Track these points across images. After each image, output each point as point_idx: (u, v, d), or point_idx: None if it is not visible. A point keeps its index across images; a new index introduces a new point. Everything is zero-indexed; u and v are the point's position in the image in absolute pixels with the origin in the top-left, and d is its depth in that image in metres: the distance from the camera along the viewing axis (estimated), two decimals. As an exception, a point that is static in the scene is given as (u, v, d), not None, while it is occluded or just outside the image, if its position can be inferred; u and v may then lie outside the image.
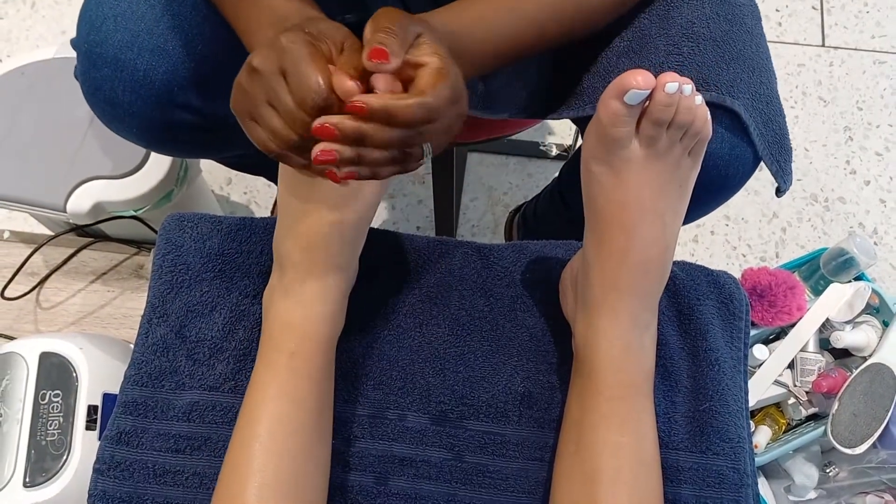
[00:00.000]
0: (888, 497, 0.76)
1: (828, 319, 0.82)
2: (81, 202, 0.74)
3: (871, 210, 1.09)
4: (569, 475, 0.43)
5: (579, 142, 0.97)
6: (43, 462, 0.61)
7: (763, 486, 0.82)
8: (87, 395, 0.65)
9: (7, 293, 0.85)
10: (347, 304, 0.48)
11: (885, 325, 0.82)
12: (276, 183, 0.84)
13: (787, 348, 0.81)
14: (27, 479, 0.61)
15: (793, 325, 0.82)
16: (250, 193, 1.08)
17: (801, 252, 1.04)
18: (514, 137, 0.79)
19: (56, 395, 0.64)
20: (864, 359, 0.80)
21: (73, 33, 0.48)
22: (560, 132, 1.13)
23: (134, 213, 0.79)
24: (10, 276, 0.86)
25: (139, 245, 0.91)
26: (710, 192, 0.48)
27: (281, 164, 0.44)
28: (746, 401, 0.50)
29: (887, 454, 0.76)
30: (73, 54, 0.49)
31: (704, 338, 0.51)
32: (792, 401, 0.82)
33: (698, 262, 0.55)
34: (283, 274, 0.45)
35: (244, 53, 0.38)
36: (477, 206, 1.08)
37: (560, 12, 0.44)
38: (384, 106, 0.33)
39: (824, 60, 1.20)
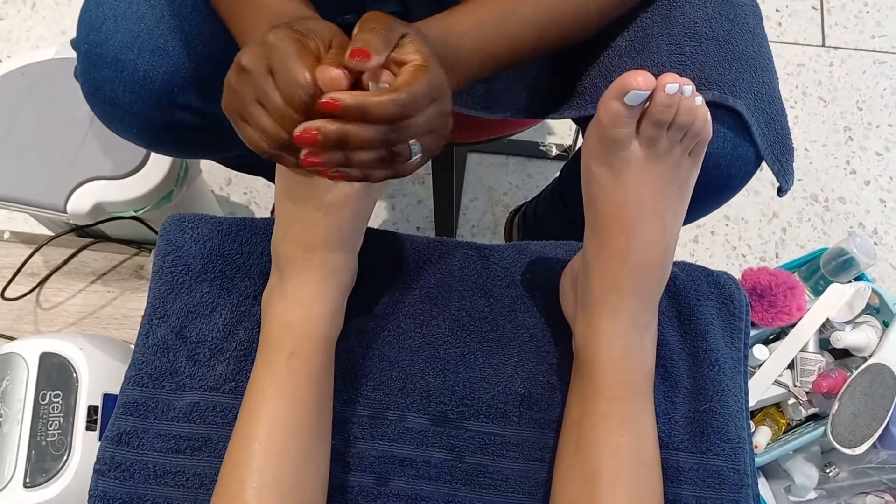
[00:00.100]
0: (888, 497, 0.76)
1: (828, 320, 0.82)
2: (82, 202, 0.74)
3: (871, 210, 1.09)
4: (569, 475, 0.43)
5: (579, 142, 0.97)
6: (43, 462, 0.61)
7: (763, 487, 0.82)
8: (88, 395, 0.65)
9: (7, 294, 0.85)
10: (348, 305, 0.48)
11: (885, 325, 0.82)
12: (275, 183, 0.83)
13: (787, 348, 0.81)
14: (27, 480, 0.61)
15: (793, 326, 0.82)
16: (250, 194, 1.08)
17: (801, 252, 1.04)
18: (514, 137, 0.79)
19: (56, 396, 0.64)
20: (864, 359, 0.80)
21: (73, 34, 0.48)
22: (560, 132, 1.13)
23: (134, 214, 0.79)
24: (10, 276, 0.86)
25: (139, 245, 0.91)
26: (712, 192, 0.49)
27: (277, 166, 0.44)
28: (746, 401, 0.50)
29: (887, 454, 0.76)
30: (74, 55, 0.49)
31: (704, 338, 0.51)
32: (792, 401, 0.82)
33: (698, 263, 0.55)
34: (281, 275, 0.45)
35: None
36: (477, 207, 1.08)
37: (558, 16, 0.44)
38: (357, 102, 0.33)
39: (824, 60, 1.20)
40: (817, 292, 0.86)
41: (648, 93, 0.38)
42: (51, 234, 0.90)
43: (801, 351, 0.82)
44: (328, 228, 0.42)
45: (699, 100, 0.40)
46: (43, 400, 0.64)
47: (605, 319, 0.43)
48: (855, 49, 1.21)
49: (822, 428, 0.77)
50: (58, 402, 0.64)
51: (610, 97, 0.39)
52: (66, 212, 0.74)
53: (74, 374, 0.65)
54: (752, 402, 0.79)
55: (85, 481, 0.55)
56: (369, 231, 0.54)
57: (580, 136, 0.90)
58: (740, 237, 1.06)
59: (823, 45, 1.22)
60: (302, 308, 0.43)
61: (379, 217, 1.06)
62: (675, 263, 0.53)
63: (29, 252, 0.87)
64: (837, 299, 0.82)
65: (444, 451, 0.48)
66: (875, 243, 1.06)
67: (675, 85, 0.38)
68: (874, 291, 0.82)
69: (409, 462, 0.47)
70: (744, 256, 1.05)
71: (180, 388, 0.49)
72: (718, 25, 0.46)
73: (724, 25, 0.46)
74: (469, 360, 0.50)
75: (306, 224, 0.42)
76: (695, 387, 0.49)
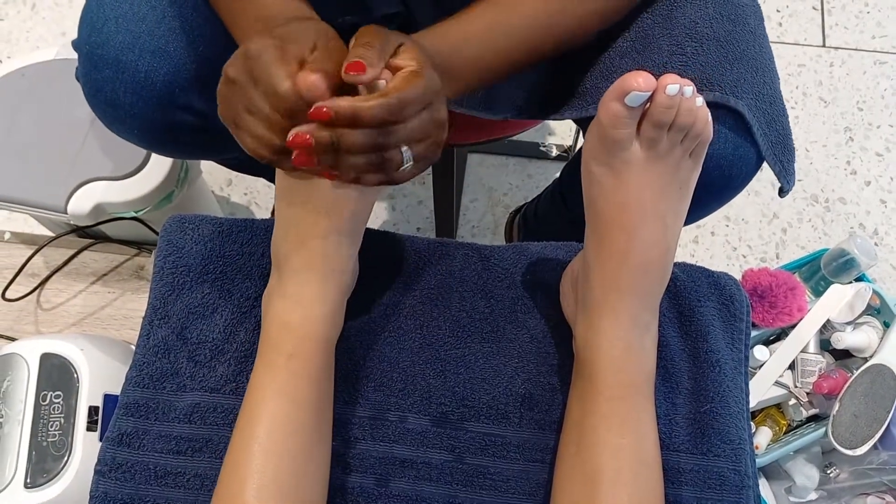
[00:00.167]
0: (889, 498, 0.76)
1: (828, 320, 0.82)
2: (82, 203, 0.74)
3: (872, 211, 1.09)
4: (569, 476, 0.43)
5: (580, 143, 0.97)
6: (44, 463, 0.61)
7: (764, 488, 0.82)
8: (88, 395, 0.65)
9: (8, 294, 0.85)
10: (348, 306, 0.48)
11: (886, 325, 0.82)
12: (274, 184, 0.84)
13: (787, 349, 0.81)
14: (28, 480, 0.61)
15: (793, 326, 0.82)
16: (251, 194, 1.08)
17: (802, 253, 1.04)
18: (514, 138, 0.79)
19: (57, 396, 0.64)
20: (865, 360, 0.80)
21: (73, 35, 0.48)
22: (560, 133, 1.13)
23: (135, 215, 0.79)
24: (10, 277, 0.86)
25: (140, 246, 0.91)
26: (713, 193, 0.49)
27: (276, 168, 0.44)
28: (747, 402, 0.50)
29: (888, 455, 0.76)
30: (74, 56, 0.49)
31: (705, 339, 0.51)
32: (793, 402, 0.82)
33: (698, 263, 0.55)
34: (281, 275, 0.45)
35: None
36: (477, 207, 1.08)
37: (554, 26, 0.44)
38: (347, 108, 0.34)
39: (825, 61, 1.20)
40: (818, 293, 0.86)
41: (649, 94, 0.38)
42: (51, 234, 0.90)
43: (801, 352, 0.82)
44: (327, 229, 0.42)
45: (700, 101, 0.40)
46: (44, 400, 0.64)
47: (606, 320, 0.43)
48: (855, 49, 1.21)
49: (823, 429, 0.77)
50: (58, 403, 0.64)
51: (610, 98, 0.39)
52: (66, 212, 0.74)
53: (75, 375, 0.65)
54: (753, 402, 0.79)
55: (86, 482, 0.55)
56: (370, 232, 0.54)
57: (580, 136, 0.90)
58: (741, 238, 1.06)
59: (824, 46, 1.22)
60: (302, 308, 0.43)
61: (379, 218, 1.07)
62: (675, 264, 0.53)
63: (30, 253, 0.87)
64: (838, 300, 0.82)
65: (444, 452, 0.48)
66: (876, 244, 1.06)
67: (675, 86, 0.38)
68: (875, 292, 0.82)
69: (410, 463, 0.47)
70: (744, 257, 1.05)
71: (181, 389, 0.49)
72: (720, 26, 0.46)
73: (725, 26, 0.46)
74: (470, 361, 0.50)
75: (305, 225, 0.42)
76: (695, 388, 0.49)
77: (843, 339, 0.80)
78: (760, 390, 0.80)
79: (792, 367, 0.82)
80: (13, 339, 0.82)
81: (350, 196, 0.43)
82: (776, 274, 0.82)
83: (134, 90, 0.47)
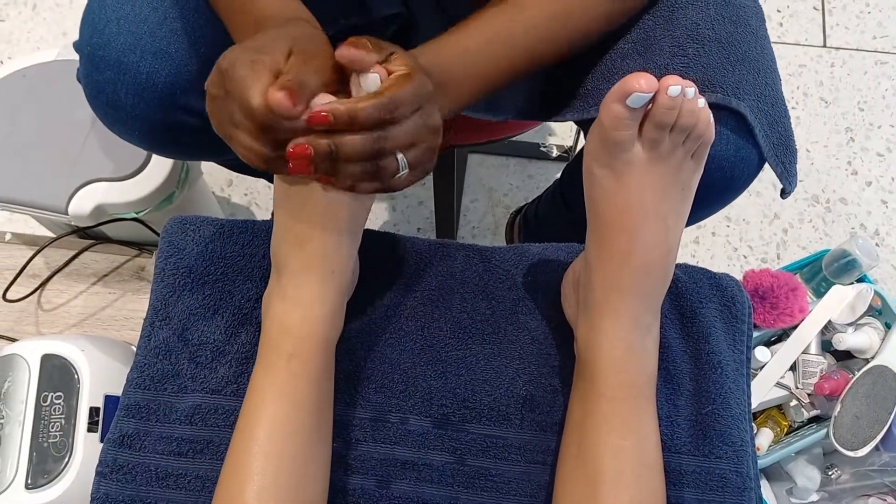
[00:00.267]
0: (891, 500, 0.76)
1: (830, 321, 0.82)
2: (83, 204, 0.74)
3: (873, 211, 1.09)
4: (571, 478, 0.43)
5: (580, 143, 0.97)
6: (45, 464, 0.61)
7: (765, 489, 0.82)
8: (89, 396, 0.65)
9: (9, 295, 0.85)
10: (349, 307, 0.48)
11: (888, 327, 0.82)
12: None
13: (789, 350, 0.81)
14: (29, 481, 0.61)
15: (795, 327, 0.82)
16: (251, 195, 1.08)
17: (803, 253, 1.04)
18: (514, 139, 0.79)
19: (58, 397, 0.64)
20: (867, 361, 0.80)
21: (74, 36, 0.48)
22: (561, 133, 1.13)
23: (135, 216, 0.79)
24: (11, 278, 0.86)
25: (140, 247, 0.91)
26: (715, 194, 0.48)
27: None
28: (749, 404, 0.50)
29: (890, 456, 0.76)
30: (75, 56, 0.49)
31: (707, 341, 0.50)
32: (794, 403, 0.82)
33: (699, 264, 0.55)
34: (280, 277, 0.45)
35: None
36: (477, 208, 1.08)
37: (558, 32, 0.44)
38: (345, 109, 0.35)
39: (826, 61, 1.20)
40: (819, 294, 0.86)
41: (651, 95, 0.38)
42: (52, 235, 0.90)
43: (803, 353, 0.82)
44: (326, 230, 0.42)
45: (702, 102, 0.40)
46: (44, 401, 0.64)
47: (607, 321, 0.43)
48: (856, 49, 1.21)
49: (824, 430, 0.77)
50: (59, 404, 0.64)
51: (612, 99, 0.38)
52: (67, 213, 0.74)
53: (76, 376, 0.65)
54: (754, 403, 0.79)
55: (86, 483, 0.55)
56: (370, 233, 0.54)
57: (581, 137, 0.90)
58: (741, 238, 1.06)
59: (825, 46, 1.22)
60: (301, 309, 0.43)
61: (380, 218, 1.06)
62: (677, 265, 0.53)
63: (30, 254, 0.87)
64: (839, 301, 0.82)
65: (445, 453, 0.48)
66: (877, 244, 1.06)
67: (677, 87, 0.38)
68: (876, 293, 0.82)
69: (411, 465, 0.47)
70: (745, 258, 1.05)
71: (182, 391, 0.49)
72: (721, 27, 0.46)
73: (726, 27, 0.46)
74: (471, 362, 0.50)
75: (304, 226, 0.42)
76: (697, 389, 0.49)
77: (844, 341, 0.80)
78: (762, 391, 0.80)
79: (793, 368, 0.82)
80: (14, 340, 0.82)
81: (346, 198, 0.43)
82: (777, 275, 0.82)
83: (135, 91, 0.47)
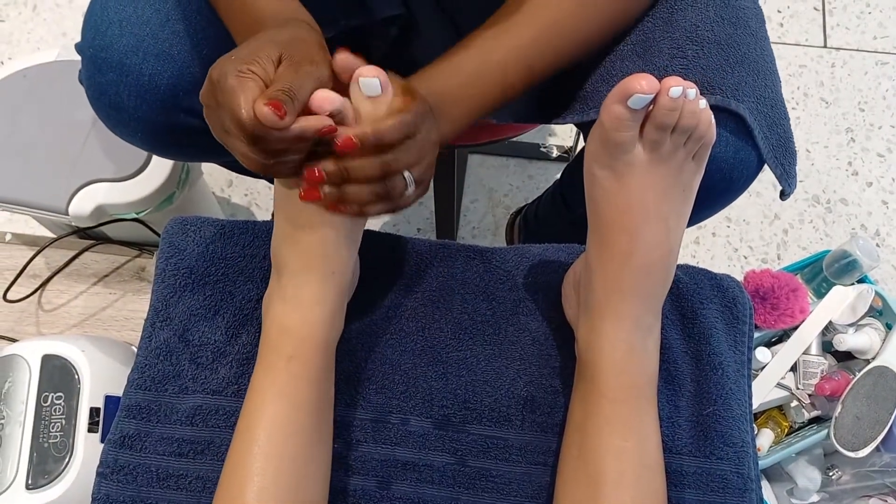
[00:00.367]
0: (891, 500, 0.76)
1: (831, 322, 0.82)
2: (84, 205, 0.74)
3: (874, 212, 1.09)
4: (572, 479, 0.43)
5: (580, 144, 0.97)
6: (45, 464, 0.61)
7: (766, 490, 0.82)
8: (90, 397, 0.65)
9: (9, 296, 0.85)
10: (349, 308, 0.48)
11: (889, 327, 0.82)
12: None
13: (789, 351, 0.81)
14: (29, 482, 0.61)
15: (795, 328, 0.82)
16: (251, 195, 1.08)
17: (803, 254, 1.04)
18: (515, 139, 0.79)
19: (58, 398, 0.64)
20: (867, 361, 0.80)
21: (74, 36, 0.48)
22: (561, 134, 1.13)
23: (136, 216, 0.79)
24: (12, 278, 0.86)
25: (141, 247, 0.91)
26: (714, 196, 0.48)
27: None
28: (750, 405, 0.50)
29: (890, 457, 0.76)
30: (75, 57, 0.49)
31: (708, 342, 0.50)
32: (795, 403, 0.82)
33: (699, 264, 0.55)
34: (280, 278, 0.45)
35: None
36: (477, 208, 1.08)
37: (547, 49, 0.44)
38: (371, 132, 0.36)
39: (826, 61, 1.20)
40: (820, 295, 0.86)
41: (652, 96, 0.38)
42: (53, 236, 0.90)
43: (803, 353, 0.82)
44: (326, 231, 0.42)
45: (703, 103, 0.40)
46: (45, 402, 0.64)
47: (608, 322, 0.43)
48: (857, 50, 1.21)
49: (825, 431, 0.77)
50: (60, 404, 0.64)
51: (613, 101, 0.38)
52: (68, 214, 0.74)
53: (76, 376, 0.65)
54: (755, 404, 0.79)
55: (87, 483, 0.55)
56: (371, 234, 0.54)
57: (581, 137, 0.90)
58: (742, 239, 1.06)
59: (825, 46, 1.22)
60: (301, 311, 0.43)
61: (380, 219, 1.06)
62: (677, 266, 0.53)
63: (31, 254, 0.87)
64: (840, 302, 0.82)
65: (446, 454, 0.48)
66: (877, 245, 1.06)
67: (678, 88, 0.38)
68: (877, 294, 0.82)
69: (412, 466, 0.47)
70: (745, 258, 1.05)
71: (183, 392, 0.49)
72: (720, 29, 0.46)
73: (726, 29, 0.46)
74: (471, 363, 0.50)
75: (304, 227, 0.42)
76: (698, 390, 0.49)
77: (845, 341, 0.80)
78: (762, 392, 0.80)
79: (794, 368, 0.82)
80: (14, 341, 0.82)
81: None
82: (778, 275, 0.82)
83: (138, 93, 0.47)
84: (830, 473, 0.81)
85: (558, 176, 1.06)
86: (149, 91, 0.47)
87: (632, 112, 0.38)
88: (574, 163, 0.71)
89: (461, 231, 1.06)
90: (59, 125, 0.77)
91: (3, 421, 0.63)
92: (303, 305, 0.43)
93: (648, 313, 0.44)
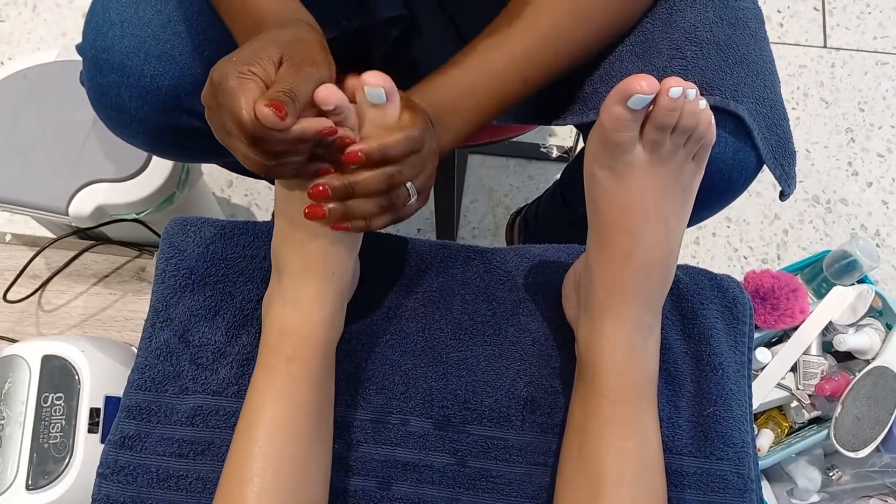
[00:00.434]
0: (891, 501, 0.76)
1: (831, 322, 0.82)
2: (84, 205, 0.74)
3: (874, 212, 1.09)
4: (572, 479, 0.43)
5: (580, 144, 0.97)
6: (45, 465, 0.61)
7: (766, 490, 0.82)
8: (90, 397, 0.65)
9: (9, 296, 0.85)
10: (350, 308, 0.48)
11: (889, 328, 0.82)
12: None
13: (789, 351, 0.81)
14: (29, 482, 0.61)
15: (795, 328, 0.82)
16: (251, 196, 1.08)
17: (803, 254, 1.04)
18: (515, 139, 0.79)
19: (58, 398, 0.64)
20: (868, 362, 0.80)
21: (74, 36, 0.49)
22: (561, 134, 1.13)
23: (136, 216, 0.79)
24: (12, 279, 0.86)
25: (141, 248, 0.91)
26: (713, 196, 0.48)
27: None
28: (750, 405, 0.50)
29: (891, 457, 0.76)
30: (75, 57, 0.49)
31: (708, 342, 0.50)
32: (795, 404, 0.82)
33: (699, 265, 0.55)
34: (280, 279, 0.45)
35: None
36: (477, 208, 1.08)
37: (545, 58, 0.44)
38: (377, 147, 0.37)
39: (826, 61, 1.20)
40: (820, 295, 0.86)
41: (652, 97, 0.38)
42: (53, 236, 0.90)
43: (803, 354, 0.82)
44: (326, 232, 0.43)
45: (703, 103, 0.40)
46: (45, 402, 0.64)
47: (608, 322, 0.43)
48: (857, 50, 1.21)
49: (825, 431, 0.77)
50: (60, 405, 0.64)
51: (613, 101, 0.38)
52: (68, 214, 0.74)
53: (76, 377, 0.65)
54: (755, 405, 0.79)
55: (87, 484, 0.55)
56: (371, 234, 0.53)
57: (581, 138, 0.90)
58: (742, 239, 1.06)
59: (825, 46, 1.22)
60: (300, 312, 0.43)
61: (380, 219, 1.06)
62: (678, 266, 0.53)
63: (31, 254, 0.87)
64: (840, 302, 0.82)
65: (446, 455, 0.48)
66: (877, 245, 1.06)
67: (678, 88, 0.38)
68: (877, 294, 0.82)
69: (412, 466, 0.47)
70: (745, 258, 1.05)
71: (183, 392, 0.49)
72: (720, 30, 0.46)
73: (725, 30, 0.46)
74: (472, 363, 0.50)
75: (304, 228, 0.43)
76: (698, 391, 0.49)
77: (845, 342, 0.80)
78: (762, 392, 0.80)
79: (794, 369, 0.82)
80: (14, 341, 0.82)
81: None
82: (778, 276, 0.82)
83: (139, 95, 0.47)
84: (830, 474, 0.81)
85: (558, 176, 1.06)
86: (150, 92, 0.47)
87: (632, 112, 0.38)
88: (574, 163, 0.71)
89: (461, 231, 1.06)
90: (59, 125, 0.77)
91: (3, 421, 0.63)
92: (303, 306, 0.43)
93: (649, 314, 0.44)
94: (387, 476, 0.47)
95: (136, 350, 0.52)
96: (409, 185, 0.39)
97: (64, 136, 0.77)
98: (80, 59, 0.49)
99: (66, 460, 0.62)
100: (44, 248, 0.87)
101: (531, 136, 1.11)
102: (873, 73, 1.19)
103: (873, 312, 0.83)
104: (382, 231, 0.56)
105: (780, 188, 0.48)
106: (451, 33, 0.54)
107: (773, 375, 0.81)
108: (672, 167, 0.41)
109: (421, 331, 0.51)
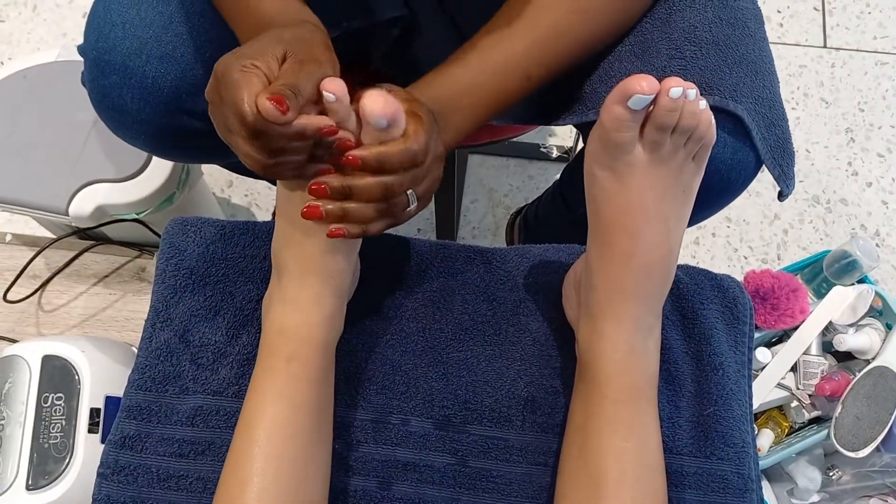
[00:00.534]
0: (891, 500, 0.76)
1: (831, 322, 0.82)
2: (84, 205, 0.74)
3: (874, 212, 1.09)
4: (573, 479, 0.43)
5: (580, 144, 0.97)
6: (45, 465, 0.61)
7: (766, 490, 0.82)
8: (90, 397, 0.65)
9: (9, 296, 0.85)
10: (350, 308, 0.48)
11: (889, 327, 0.82)
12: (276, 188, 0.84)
13: (789, 351, 0.81)
14: (30, 482, 0.61)
15: (796, 328, 0.82)
16: (251, 196, 1.08)
17: (803, 254, 1.04)
18: (515, 139, 0.79)
19: (58, 398, 0.64)
20: (868, 362, 0.80)
21: (74, 36, 0.49)
22: (561, 134, 1.13)
23: (136, 216, 0.79)
24: (12, 279, 0.86)
25: (141, 248, 0.91)
26: (712, 197, 0.48)
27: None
28: (751, 405, 0.50)
29: (891, 457, 0.76)
30: (76, 57, 0.49)
31: (708, 342, 0.50)
32: (795, 404, 0.82)
33: (699, 265, 0.55)
34: (280, 280, 0.45)
35: None
36: (477, 208, 1.08)
37: (548, 55, 0.44)
38: (374, 155, 0.37)
39: (826, 61, 1.20)
40: (820, 295, 0.86)
41: (652, 97, 0.38)
42: (53, 236, 0.90)
43: (803, 354, 0.82)
44: (325, 235, 0.43)
45: (703, 103, 0.40)
46: (45, 402, 0.64)
47: (609, 323, 0.43)
48: (857, 50, 1.21)
49: (825, 431, 0.77)
50: (60, 405, 0.64)
51: (613, 101, 0.38)
52: (68, 214, 0.74)
53: (76, 377, 0.65)
54: (755, 405, 0.79)
55: (87, 484, 0.55)
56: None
57: (581, 138, 0.90)
58: (742, 239, 1.06)
59: (825, 46, 1.22)
60: (300, 312, 0.43)
61: (380, 219, 1.06)
62: (678, 266, 0.53)
63: (31, 255, 0.87)
64: (840, 302, 0.82)
65: (447, 455, 0.48)
66: (877, 245, 1.06)
67: (678, 89, 0.38)
68: (877, 294, 0.82)
69: (413, 466, 0.47)
70: (745, 258, 1.05)
71: (184, 392, 0.49)
72: (719, 30, 0.46)
73: (724, 30, 0.46)
74: (472, 364, 0.50)
75: (304, 230, 0.43)
76: (699, 391, 0.49)
77: (845, 342, 0.80)
78: (762, 392, 0.80)
79: (794, 369, 0.82)
80: (14, 341, 0.82)
81: None
82: (778, 276, 0.82)
83: (141, 96, 0.47)
84: (831, 473, 0.81)
85: (558, 176, 1.06)
86: (152, 93, 0.47)
87: (632, 113, 0.38)
88: (574, 163, 0.71)
89: (461, 231, 1.06)
90: (60, 125, 0.77)
91: (3, 422, 0.63)
92: (302, 307, 0.44)
93: (649, 314, 0.44)
94: (387, 476, 0.47)
95: (136, 350, 0.52)
96: (409, 192, 0.39)
97: (64, 136, 0.77)
98: (81, 59, 0.49)
99: (67, 460, 0.62)
100: (44, 248, 0.87)
101: (531, 136, 1.11)
102: (873, 73, 1.19)
103: (873, 312, 0.83)
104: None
105: (778, 188, 0.48)
106: (452, 33, 0.54)
107: (773, 375, 0.81)
108: (672, 167, 0.41)
109: (421, 331, 0.51)
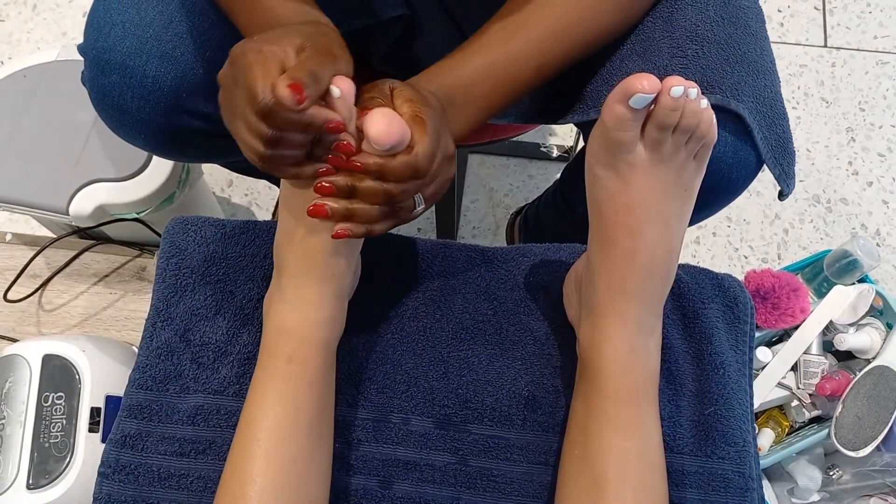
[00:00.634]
0: (892, 500, 0.76)
1: (831, 322, 0.82)
2: (84, 205, 0.74)
3: (874, 212, 1.09)
4: (574, 479, 0.43)
5: (580, 143, 0.97)
6: (46, 464, 0.61)
7: (766, 489, 0.82)
8: (90, 397, 0.65)
9: (9, 296, 0.85)
10: (351, 308, 0.48)
11: (889, 327, 0.82)
12: (277, 186, 0.84)
13: (790, 351, 0.81)
14: (30, 482, 0.61)
15: (796, 328, 0.82)
16: (251, 195, 1.08)
17: (804, 253, 1.04)
18: (515, 139, 0.79)
19: (59, 398, 0.64)
20: (868, 361, 0.80)
21: (74, 36, 0.49)
22: (561, 133, 1.13)
23: (136, 216, 0.79)
24: (12, 278, 0.86)
25: (141, 247, 0.91)
26: (713, 196, 0.48)
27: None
28: (751, 405, 0.50)
29: (891, 457, 0.76)
30: (76, 57, 0.49)
31: (709, 341, 0.50)
32: (795, 403, 0.82)
33: (700, 264, 0.55)
34: (280, 280, 0.45)
35: None
36: (478, 208, 1.08)
37: (556, 48, 0.44)
38: (375, 164, 0.37)
39: (826, 61, 1.20)
40: (821, 294, 0.86)
41: (653, 96, 0.38)
42: (53, 236, 0.90)
43: (804, 353, 0.82)
44: (326, 235, 0.43)
45: (704, 102, 0.40)
46: (46, 402, 0.64)
47: (610, 323, 0.43)
48: (857, 49, 1.21)
49: (826, 430, 0.77)
50: (60, 404, 0.64)
51: (614, 100, 0.38)
52: (68, 214, 0.74)
53: (77, 376, 0.65)
54: (756, 404, 0.79)
55: (88, 483, 0.55)
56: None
57: (581, 137, 0.90)
58: (742, 238, 1.06)
59: (826, 46, 1.22)
60: (300, 312, 0.43)
61: (381, 218, 1.06)
62: (679, 266, 0.53)
63: (31, 254, 0.87)
64: (841, 301, 0.82)
65: (447, 454, 0.48)
66: (878, 245, 1.06)
67: (680, 88, 0.38)
68: (878, 293, 0.82)
69: (413, 465, 0.47)
70: (746, 258, 1.05)
71: (184, 392, 0.49)
72: (720, 29, 0.46)
73: (725, 29, 0.46)
74: (473, 363, 0.50)
75: (306, 229, 0.43)
76: (700, 390, 0.49)
77: (845, 341, 0.80)
78: (763, 392, 0.80)
79: (794, 368, 0.82)
80: (15, 341, 0.82)
81: None
82: (779, 275, 0.82)
83: (141, 95, 0.47)
84: (831, 473, 0.81)
85: (558, 176, 1.06)
86: (152, 93, 0.47)
87: (633, 112, 0.38)
88: (574, 162, 0.71)
89: (461, 231, 1.06)
90: (60, 125, 0.77)
91: (3, 421, 0.63)
92: (303, 306, 0.44)
93: (650, 313, 0.44)
94: (388, 475, 0.47)
95: (136, 349, 0.52)
96: (416, 196, 0.40)
97: (64, 135, 0.77)
98: (81, 58, 0.49)
99: (67, 460, 0.62)
100: (44, 248, 0.87)
101: (531, 135, 1.11)
102: (874, 72, 1.19)
103: (874, 312, 0.84)
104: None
105: (779, 188, 0.48)
106: (453, 32, 0.54)
107: (773, 375, 0.81)
108: (673, 166, 0.41)
109: (422, 330, 0.51)
